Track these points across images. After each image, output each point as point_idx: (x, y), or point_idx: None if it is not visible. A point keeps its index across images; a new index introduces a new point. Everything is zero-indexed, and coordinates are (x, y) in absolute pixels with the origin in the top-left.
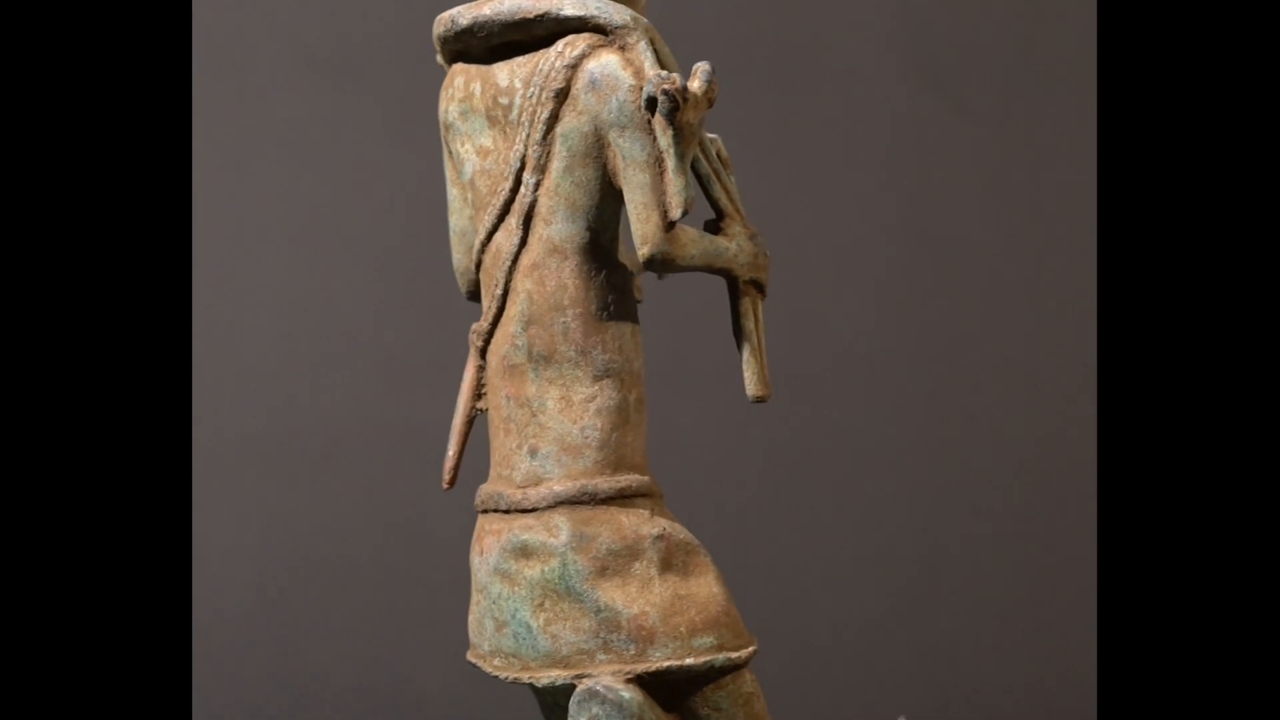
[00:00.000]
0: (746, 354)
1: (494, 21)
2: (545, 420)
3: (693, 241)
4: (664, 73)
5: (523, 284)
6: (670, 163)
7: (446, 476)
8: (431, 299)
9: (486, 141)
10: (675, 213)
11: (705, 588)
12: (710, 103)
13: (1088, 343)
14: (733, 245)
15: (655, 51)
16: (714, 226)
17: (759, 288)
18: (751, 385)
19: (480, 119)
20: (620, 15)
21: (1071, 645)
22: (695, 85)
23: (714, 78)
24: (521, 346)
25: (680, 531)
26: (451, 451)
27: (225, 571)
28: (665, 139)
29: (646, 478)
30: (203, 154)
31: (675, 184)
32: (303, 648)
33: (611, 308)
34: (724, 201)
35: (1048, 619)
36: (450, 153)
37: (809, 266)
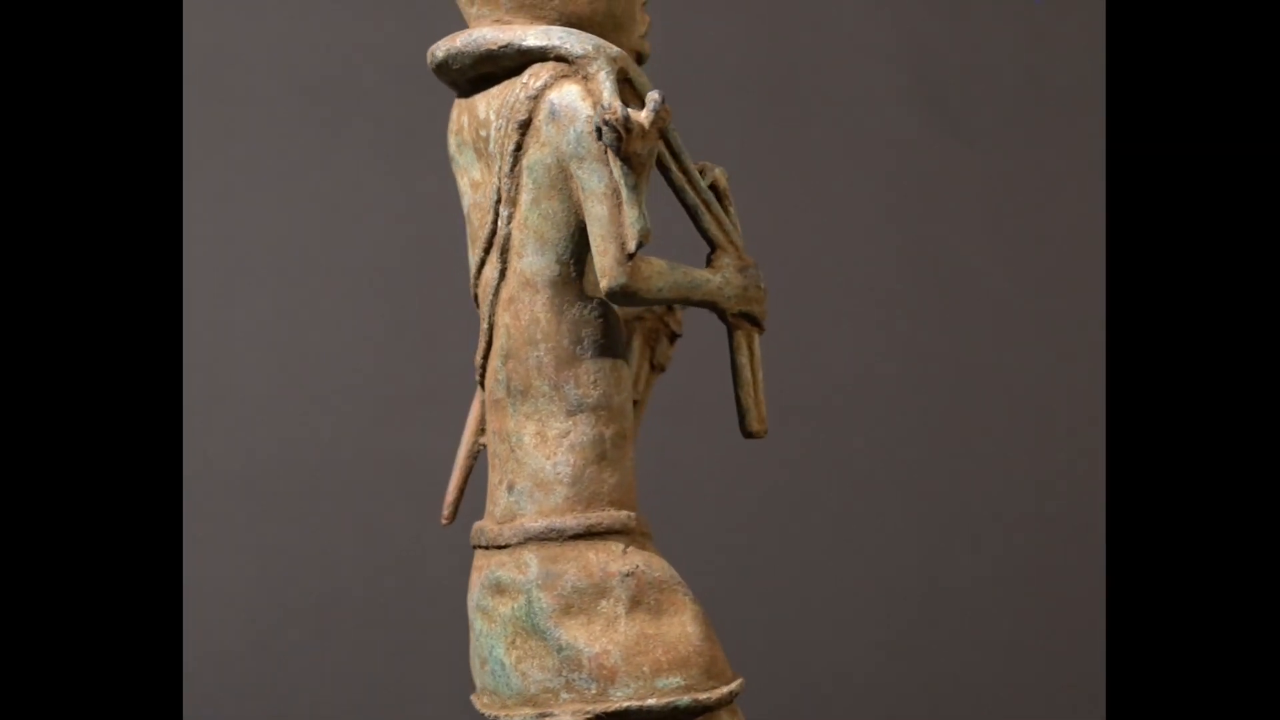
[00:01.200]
0: (740, 389)
1: (463, 54)
2: (522, 455)
3: (659, 274)
4: (608, 102)
5: (502, 318)
6: (623, 194)
7: (446, 511)
8: (427, 332)
9: (477, 174)
10: (630, 245)
11: (677, 627)
12: (661, 132)
13: (1096, 374)
14: (716, 278)
15: (630, 80)
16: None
17: (753, 321)
18: (749, 420)
19: (470, 152)
20: (582, 45)
21: (1079, 684)
22: (641, 114)
23: (663, 106)
24: (502, 381)
25: (656, 569)
26: (451, 485)
27: (217, 609)
28: (615, 170)
29: (623, 514)
30: (194, 184)
31: (629, 215)
32: (296, 687)
33: (585, 342)
34: (714, 232)
35: (1054, 657)
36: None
37: (811, 296)
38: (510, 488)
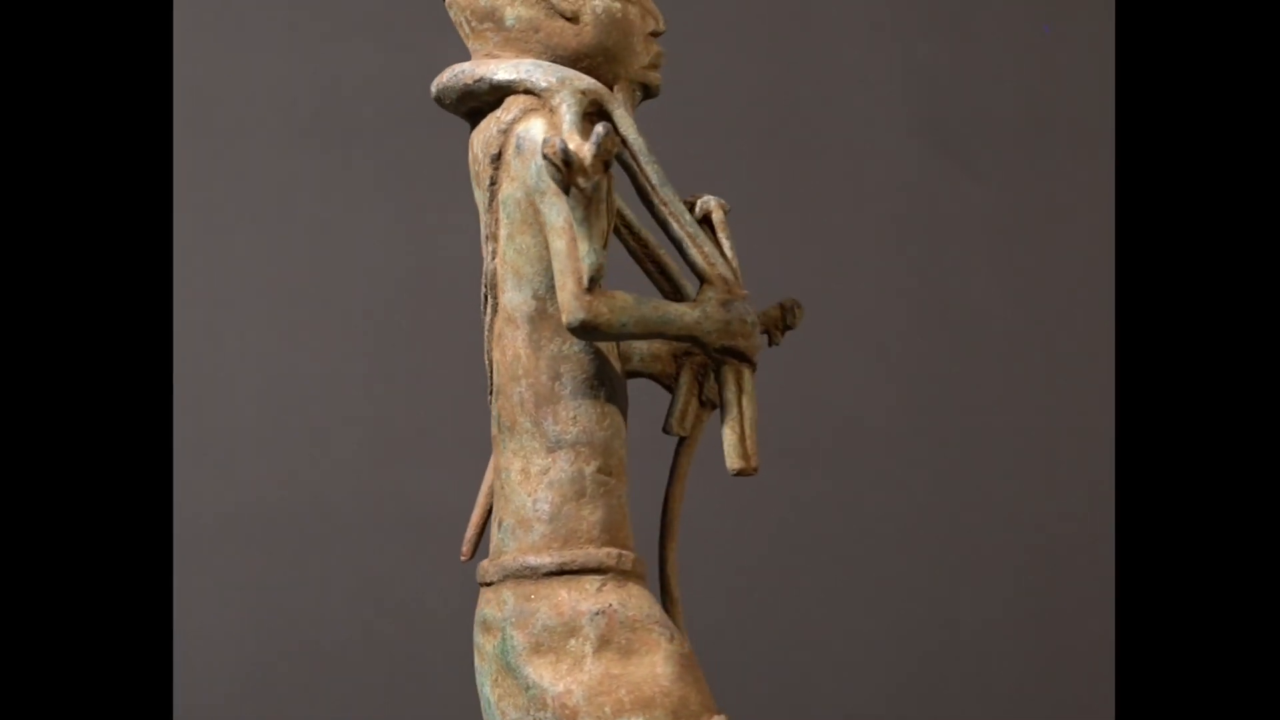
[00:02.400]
0: (727, 425)
1: (449, 89)
2: (509, 492)
3: (623, 309)
4: (549, 137)
5: (494, 354)
6: (575, 228)
7: (465, 548)
8: (425, 370)
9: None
10: (585, 279)
11: (647, 667)
12: (606, 166)
13: (1106, 410)
14: (695, 312)
15: (608, 113)
16: None
17: (739, 356)
18: (731, 457)
19: (475, 186)
20: (547, 77)
21: None
22: (583, 148)
23: (605, 139)
24: (495, 417)
25: (632, 608)
26: (471, 520)
27: (208, 656)
28: (565, 205)
29: (601, 551)
30: (184, 220)
31: (580, 249)
32: None
33: (564, 378)
34: (701, 266)
35: (1063, 705)
36: None
37: (816, 334)
38: (500, 524)
